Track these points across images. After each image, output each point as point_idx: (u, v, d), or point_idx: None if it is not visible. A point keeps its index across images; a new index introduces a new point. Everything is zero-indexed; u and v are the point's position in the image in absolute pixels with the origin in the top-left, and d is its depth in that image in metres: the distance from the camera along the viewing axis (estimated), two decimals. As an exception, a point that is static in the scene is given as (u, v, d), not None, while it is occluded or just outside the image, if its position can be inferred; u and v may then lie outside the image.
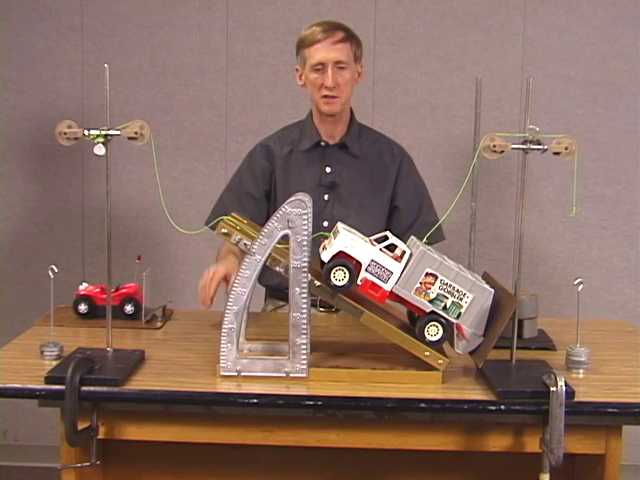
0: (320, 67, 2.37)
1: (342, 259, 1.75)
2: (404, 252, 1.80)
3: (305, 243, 1.77)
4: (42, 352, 1.89)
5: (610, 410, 1.70)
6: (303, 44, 2.41)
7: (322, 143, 2.50)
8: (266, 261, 1.78)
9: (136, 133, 1.84)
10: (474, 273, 1.88)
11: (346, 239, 1.76)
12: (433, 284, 1.77)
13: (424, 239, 1.87)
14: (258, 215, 2.44)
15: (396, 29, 3.21)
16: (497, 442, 1.78)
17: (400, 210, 2.53)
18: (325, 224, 2.46)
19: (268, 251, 1.77)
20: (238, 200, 2.50)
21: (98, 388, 1.72)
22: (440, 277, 1.76)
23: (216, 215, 2.38)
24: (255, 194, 2.52)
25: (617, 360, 1.98)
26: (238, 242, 1.82)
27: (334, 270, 1.75)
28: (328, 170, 2.50)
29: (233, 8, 3.22)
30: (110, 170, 1.88)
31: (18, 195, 3.32)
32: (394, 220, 2.53)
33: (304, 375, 1.79)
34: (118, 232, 3.15)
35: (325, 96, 2.39)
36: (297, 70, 2.47)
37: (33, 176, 3.31)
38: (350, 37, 2.41)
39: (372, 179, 2.52)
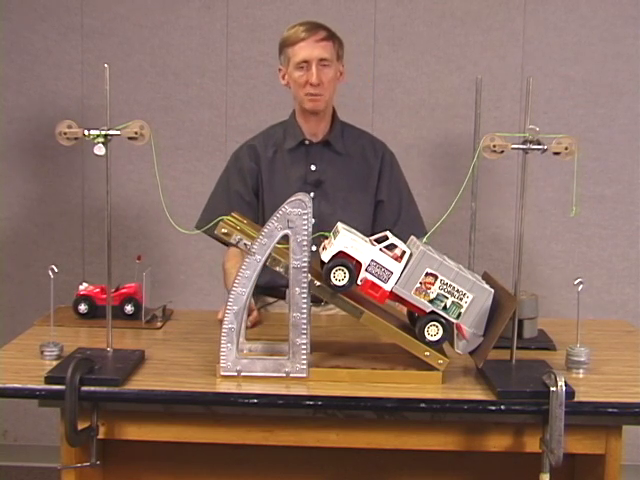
0: (304, 65, 2.39)
1: (342, 259, 1.75)
2: (404, 252, 1.80)
3: (305, 243, 1.77)
4: (42, 352, 1.89)
5: (610, 410, 1.70)
6: (286, 43, 2.43)
7: (306, 142, 2.51)
8: (266, 261, 1.78)
9: (136, 133, 1.84)
10: (474, 273, 1.88)
11: (346, 239, 1.76)
12: (433, 284, 1.77)
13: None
14: (249, 215, 2.44)
15: (396, 29, 3.21)
16: (497, 442, 1.78)
17: (384, 203, 2.54)
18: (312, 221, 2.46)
19: (268, 251, 1.77)
20: (228, 201, 2.50)
21: (98, 388, 1.72)
22: (440, 277, 1.76)
23: (206, 218, 2.37)
24: (244, 195, 2.52)
25: (617, 360, 1.98)
26: (238, 242, 1.82)
27: (334, 270, 1.75)
28: (313, 168, 2.51)
29: (233, 8, 3.22)
30: (110, 170, 1.88)
31: (18, 195, 3.32)
32: (379, 214, 2.54)
33: (304, 375, 1.79)
34: (118, 232, 3.15)
35: (309, 94, 2.41)
36: (280, 70, 2.50)
37: (33, 176, 3.31)
38: (332, 36, 2.44)
39: (356, 175, 2.53)
